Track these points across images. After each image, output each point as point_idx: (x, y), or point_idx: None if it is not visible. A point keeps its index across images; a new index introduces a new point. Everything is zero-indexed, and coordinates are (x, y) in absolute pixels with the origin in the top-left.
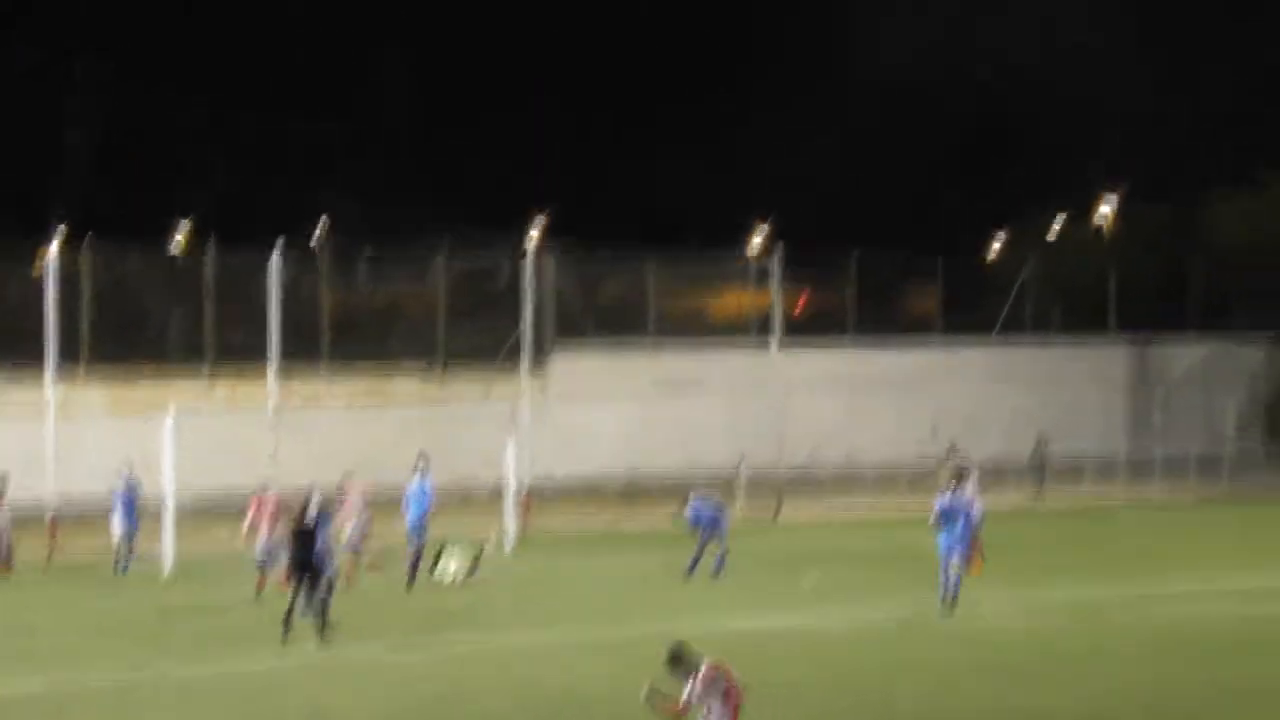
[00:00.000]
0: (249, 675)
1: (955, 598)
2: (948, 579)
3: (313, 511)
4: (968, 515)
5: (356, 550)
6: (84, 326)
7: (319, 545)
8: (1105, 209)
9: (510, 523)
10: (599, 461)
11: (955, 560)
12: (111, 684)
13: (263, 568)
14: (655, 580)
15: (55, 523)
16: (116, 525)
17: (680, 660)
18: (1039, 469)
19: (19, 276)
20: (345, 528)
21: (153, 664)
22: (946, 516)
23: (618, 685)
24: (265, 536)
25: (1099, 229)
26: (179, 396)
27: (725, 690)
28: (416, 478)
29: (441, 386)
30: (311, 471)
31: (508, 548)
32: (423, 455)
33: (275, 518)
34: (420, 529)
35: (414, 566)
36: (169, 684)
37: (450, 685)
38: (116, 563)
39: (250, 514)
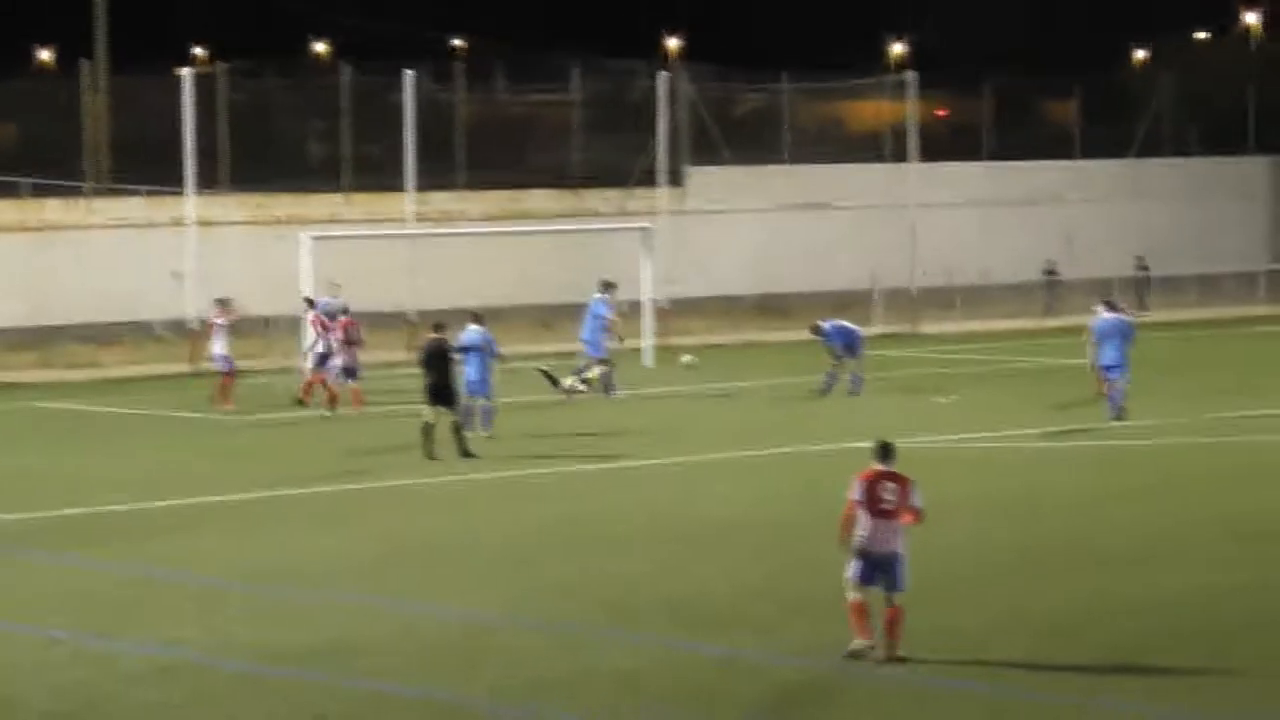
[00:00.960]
0: (382, 491)
1: (1122, 409)
2: (1115, 395)
3: (449, 337)
4: (1124, 332)
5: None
6: (222, 145)
7: (451, 369)
8: (1248, 22)
9: (647, 340)
10: (733, 279)
11: (1119, 378)
12: (241, 500)
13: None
14: (791, 400)
15: (196, 336)
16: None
17: (889, 452)
18: (1143, 283)
19: (158, 97)
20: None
21: (281, 481)
22: (1105, 334)
23: (753, 509)
24: (322, 350)
25: (1240, 46)
26: (316, 213)
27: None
28: (598, 298)
29: (577, 202)
30: (447, 288)
31: (647, 363)
32: (604, 281)
33: (349, 336)
34: (597, 346)
35: (606, 381)
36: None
37: (580, 505)
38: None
39: (319, 331)
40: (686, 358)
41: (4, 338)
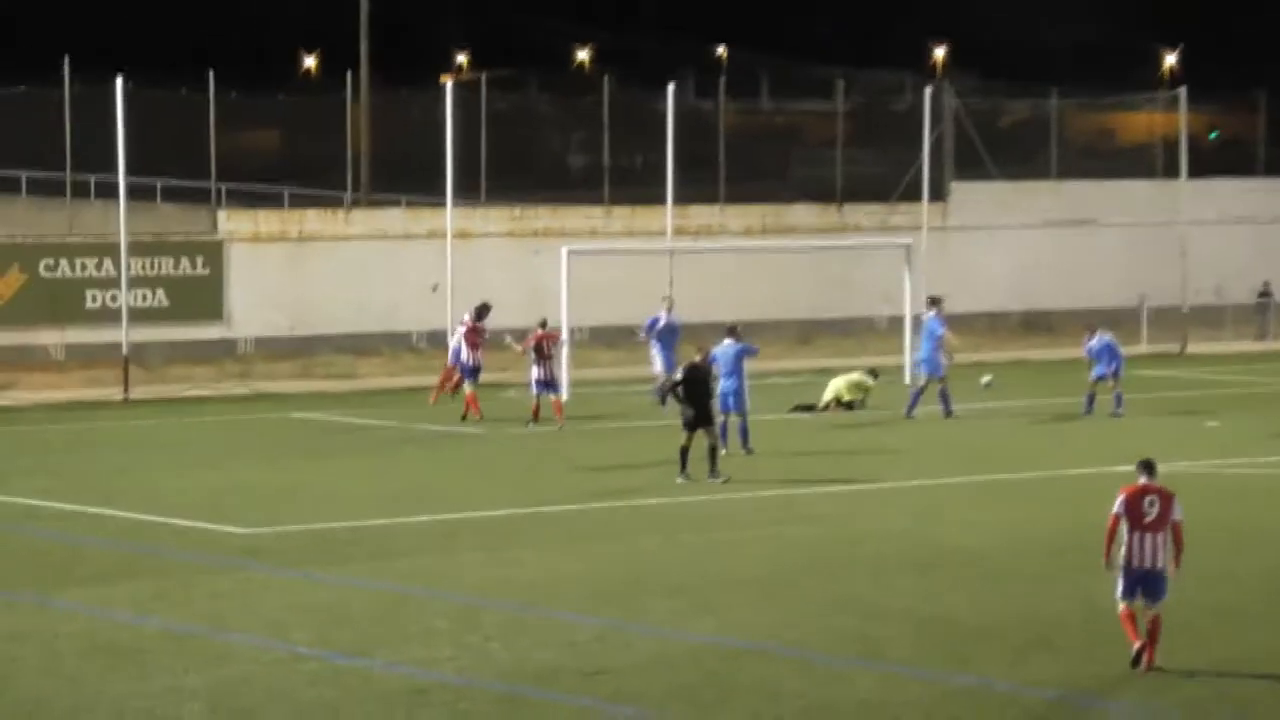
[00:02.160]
0: (633, 510)
1: None
2: None
3: (705, 355)
4: None
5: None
6: (482, 156)
7: (709, 387)
8: None
9: (909, 357)
10: (997, 295)
11: None
12: (500, 516)
13: (539, 394)
14: (1052, 420)
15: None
16: (657, 358)
17: (1151, 468)
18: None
19: (420, 106)
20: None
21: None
22: None
23: (1005, 534)
24: (537, 366)
25: None
26: (575, 226)
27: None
28: (931, 315)
29: (839, 217)
30: (703, 302)
31: (907, 380)
32: (932, 298)
33: (542, 350)
34: (934, 365)
35: (944, 398)
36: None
37: (833, 528)
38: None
39: (529, 342)
40: (986, 378)
41: (265, 347)
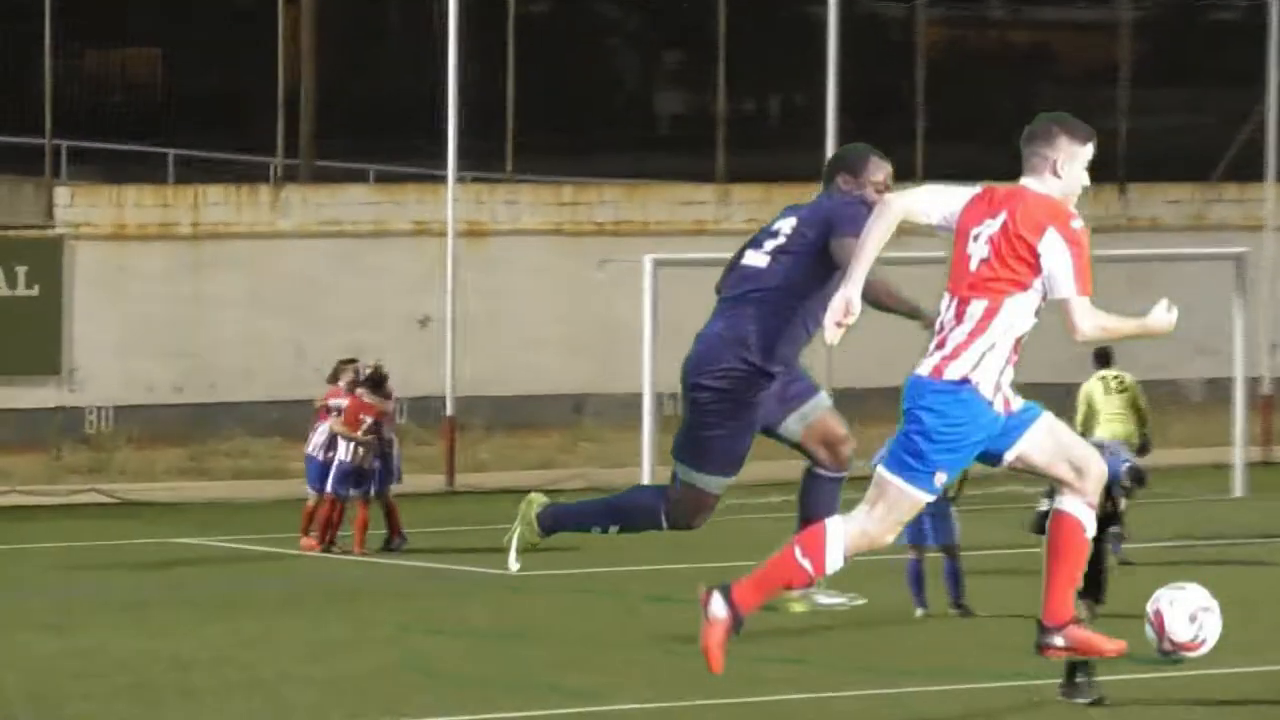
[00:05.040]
0: None
1: None
2: None
3: None
4: None
5: None
6: (508, 95)
7: None
8: None
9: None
10: None
11: None
12: None
13: None
14: None
15: None
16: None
17: None
18: None
19: (401, 11)
20: None
21: None
22: None
23: None
24: None
25: None
26: (667, 216)
27: None
28: None
29: (1120, 205)
30: (888, 350)
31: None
32: None
33: None
34: None
35: None
36: None
37: None
38: None
39: None
40: None
41: (133, 423)
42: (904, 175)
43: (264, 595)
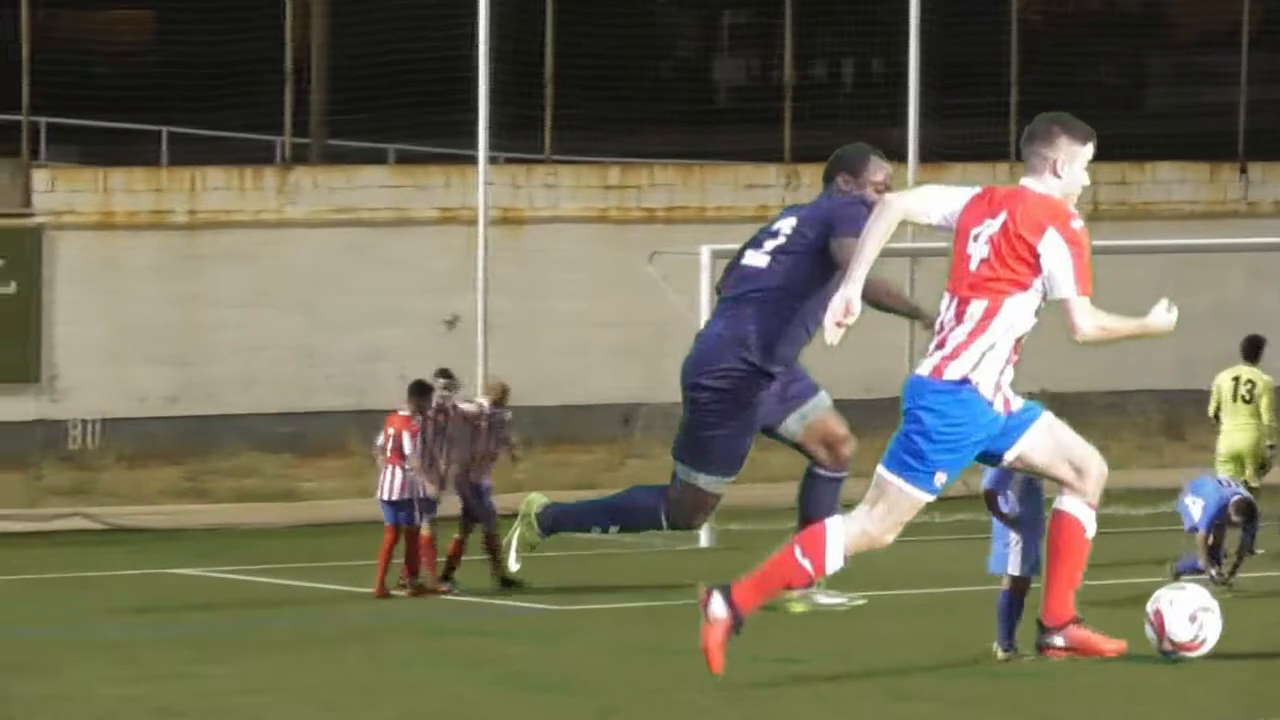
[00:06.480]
0: None
1: None
2: None
3: None
4: None
5: None
6: (546, 63)
7: None
8: None
9: None
10: None
11: None
12: None
13: None
14: None
15: None
16: None
17: None
18: None
19: None
20: None
21: None
22: None
23: None
24: None
25: None
26: (728, 201)
27: None
28: None
29: (1241, 188)
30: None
31: None
32: None
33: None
34: None
35: None
36: None
37: None
38: None
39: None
40: None
41: (122, 437)
42: (995, 156)
43: (272, 634)
